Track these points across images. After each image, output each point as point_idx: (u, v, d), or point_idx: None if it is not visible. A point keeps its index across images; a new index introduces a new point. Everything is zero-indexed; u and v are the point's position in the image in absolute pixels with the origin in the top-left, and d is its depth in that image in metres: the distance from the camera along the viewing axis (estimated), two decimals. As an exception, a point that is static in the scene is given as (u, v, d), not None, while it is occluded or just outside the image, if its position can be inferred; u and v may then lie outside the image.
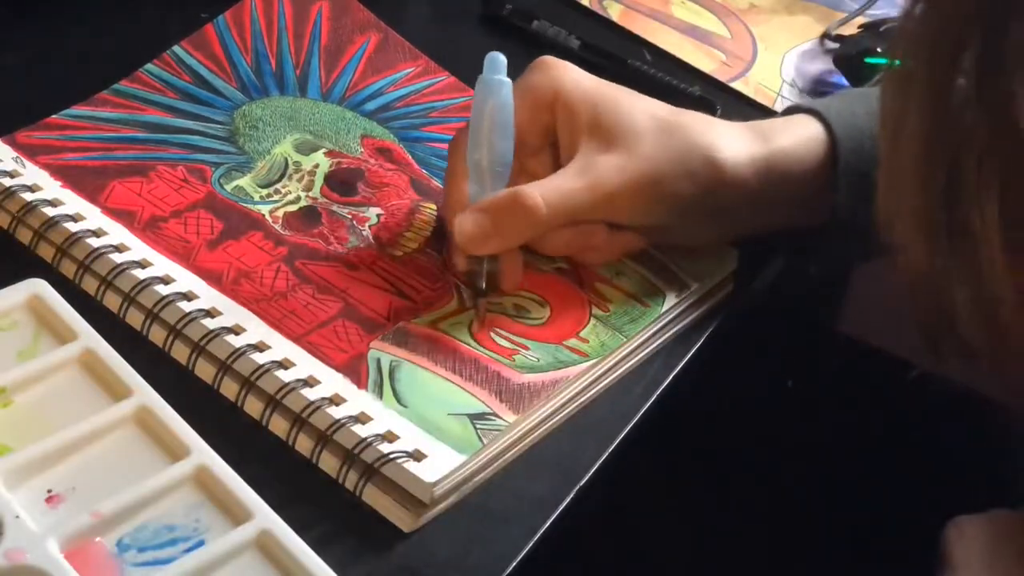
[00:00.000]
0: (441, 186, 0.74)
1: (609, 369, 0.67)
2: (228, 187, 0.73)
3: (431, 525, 0.60)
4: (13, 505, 0.56)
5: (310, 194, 0.73)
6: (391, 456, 0.59)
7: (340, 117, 0.78)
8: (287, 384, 0.62)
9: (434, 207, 0.73)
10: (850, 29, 0.94)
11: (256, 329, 0.65)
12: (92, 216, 0.69)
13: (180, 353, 0.64)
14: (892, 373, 0.98)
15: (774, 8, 0.96)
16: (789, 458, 0.98)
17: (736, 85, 0.87)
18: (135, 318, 0.66)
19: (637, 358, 0.68)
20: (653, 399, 0.67)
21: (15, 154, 0.72)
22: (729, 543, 0.98)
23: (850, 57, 0.91)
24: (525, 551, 0.59)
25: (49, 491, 0.57)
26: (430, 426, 0.61)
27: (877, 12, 0.96)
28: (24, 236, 0.69)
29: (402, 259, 0.70)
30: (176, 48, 0.80)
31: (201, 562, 0.55)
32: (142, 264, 0.67)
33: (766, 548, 0.97)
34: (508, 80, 0.67)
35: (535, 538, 0.60)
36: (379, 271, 0.69)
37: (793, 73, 0.89)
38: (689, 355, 0.69)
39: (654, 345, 0.69)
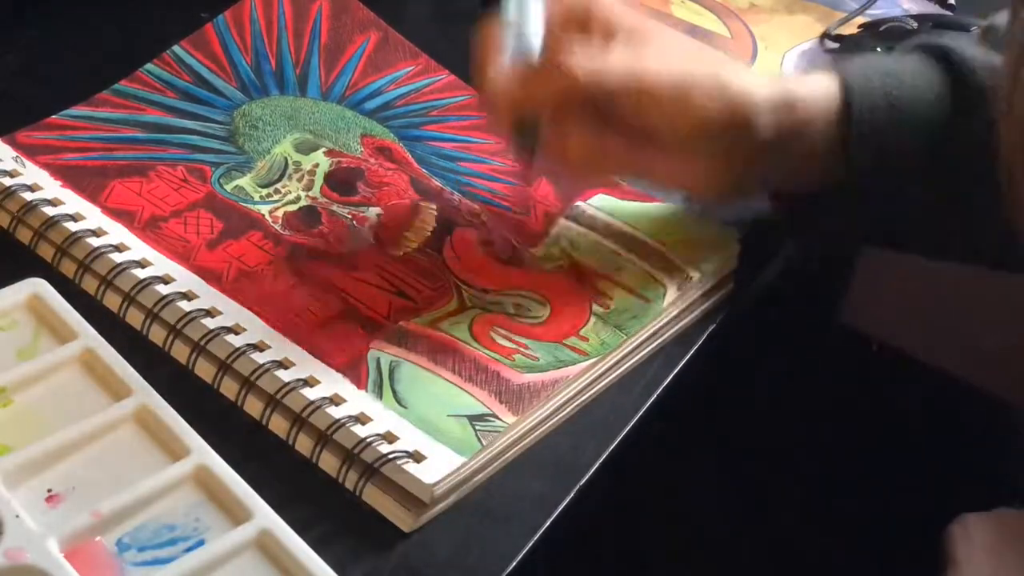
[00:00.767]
0: (440, 185, 0.74)
1: (609, 368, 0.67)
2: (228, 187, 0.73)
3: (431, 525, 0.60)
4: (13, 504, 0.56)
5: (310, 194, 0.73)
6: (391, 456, 0.59)
7: (340, 116, 0.78)
8: (287, 384, 0.62)
9: (434, 207, 0.73)
10: (850, 29, 0.95)
11: (256, 329, 0.65)
12: (92, 216, 0.69)
13: (180, 353, 0.64)
14: (896, 369, 0.98)
15: (774, 8, 0.96)
16: (790, 457, 0.98)
17: (736, 84, 0.87)
18: (135, 318, 0.66)
19: (637, 357, 0.68)
20: (653, 399, 0.67)
21: (15, 154, 0.72)
22: (730, 543, 0.98)
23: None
24: (525, 551, 0.59)
25: (49, 490, 0.57)
26: (430, 427, 0.61)
27: (877, 12, 0.96)
28: (24, 236, 0.69)
29: (402, 259, 0.70)
30: (176, 48, 0.80)
31: (201, 562, 0.55)
32: (142, 264, 0.67)
33: (767, 548, 0.97)
34: None
35: (535, 538, 0.60)
36: (379, 271, 0.69)
37: (793, 73, 0.89)
38: (689, 355, 0.69)
39: (654, 344, 0.69)
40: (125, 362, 0.62)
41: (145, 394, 0.61)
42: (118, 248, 0.68)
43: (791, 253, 0.77)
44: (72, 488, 0.58)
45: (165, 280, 0.66)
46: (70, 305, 0.64)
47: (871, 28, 0.94)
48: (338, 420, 0.61)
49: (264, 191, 0.73)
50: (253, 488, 0.58)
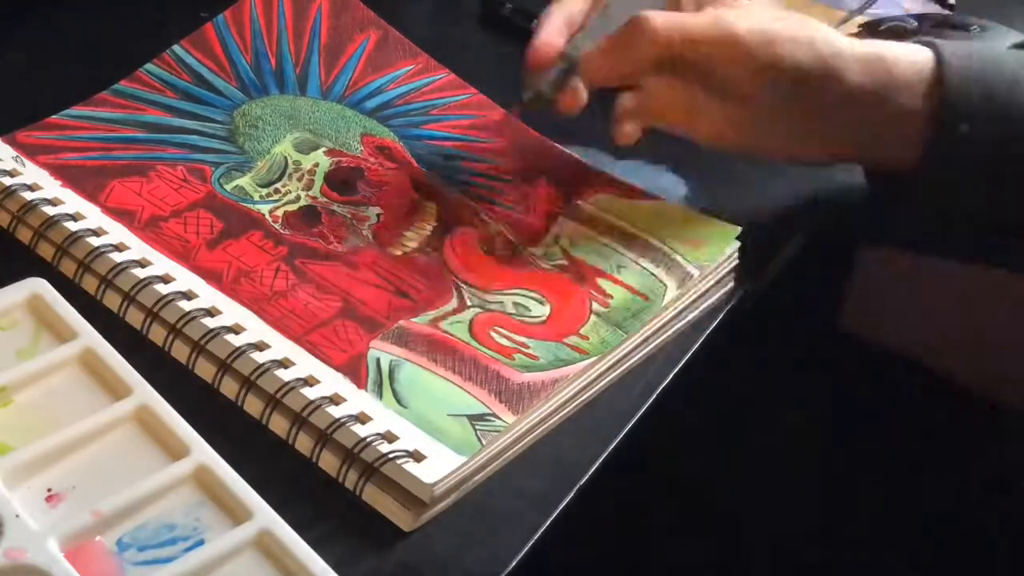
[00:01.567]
0: (441, 185, 0.74)
1: (609, 367, 0.67)
2: (228, 186, 0.73)
3: (431, 524, 0.60)
4: (13, 504, 0.56)
5: (310, 193, 0.73)
6: (391, 456, 0.59)
7: (340, 115, 0.78)
8: (287, 383, 0.62)
9: (434, 206, 0.73)
10: (850, 28, 0.94)
11: (256, 328, 0.65)
12: (92, 215, 0.69)
13: (180, 352, 0.64)
14: (897, 372, 0.98)
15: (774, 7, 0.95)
16: (790, 457, 0.98)
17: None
18: (135, 317, 0.66)
19: (637, 356, 0.68)
20: (653, 399, 0.67)
21: (15, 153, 0.72)
22: (730, 542, 0.98)
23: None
24: (525, 550, 0.59)
25: (49, 490, 0.57)
26: (430, 427, 0.61)
27: (877, 11, 0.96)
28: (24, 235, 0.69)
29: (402, 259, 0.70)
30: (176, 48, 0.80)
31: (201, 561, 0.55)
32: (142, 263, 0.67)
33: (767, 547, 0.97)
34: None
35: (535, 537, 0.60)
36: (379, 271, 0.69)
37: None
38: (689, 354, 0.69)
39: (655, 343, 0.69)
40: (125, 361, 0.62)
41: (145, 394, 0.61)
42: (118, 248, 0.68)
43: (791, 253, 0.77)
44: (72, 487, 0.58)
45: (165, 280, 0.66)
46: (70, 305, 0.64)
47: (871, 28, 0.94)
48: (338, 419, 0.61)
49: (264, 191, 0.73)
50: (253, 488, 0.58)
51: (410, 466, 0.59)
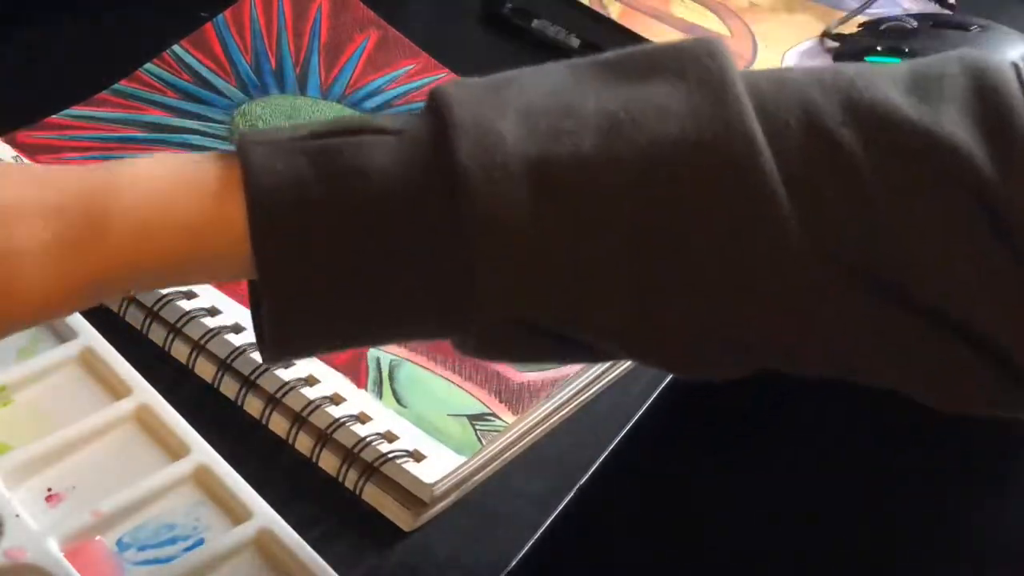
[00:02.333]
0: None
1: (609, 367, 0.67)
2: (228, 186, 0.73)
3: (431, 524, 0.60)
4: (13, 504, 0.56)
5: (310, 193, 0.73)
6: (391, 456, 0.59)
7: (340, 115, 0.78)
8: (287, 383, 0.62)
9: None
10: (850, 28, 0.95)
11: (256, 328, 0.65)
12: (92, 215, 0.69)
13: (180, 352, 0.64)
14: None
15: (774, 7, 0.96)
16: (791, 456, 0.98)
17: (736, 84, 0.87)
18: (135, 317, 0.66)
19: (637, 357, 0.68)
20: (653, 398, 0.67)
21: (15, 154, 0.72)
22: (730, 542, 0.98)
23: (850, 56, 0.91)
24: (525, 550, 0.59)
25: (49, 490, 0.57)
26: (429, 427, 0.61)
27: (877, 11, 0.96)
28: (24, 235, 0.69)
29: (402, 258, 0.70)
30: (176, 47, 0.80)
31: (201, 561, 0.55)
32: (142, 263, 0.67)
33: (767, 546, 0.97)
34: None
35: (535, 537, 0.60)
36: (379, 270, 0.69)
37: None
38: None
39: (654, 344, 0.69)
40: (125, 361, 0.62)
41: (145, 393, 0.61)
42: (118, 247, 0.68)
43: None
44: (72, 487, 0.58)
45: (165, 279, 0.66)
46: (70, 304, 0.64)
47: (871, 27, 0.94)
48: (338, 419, 0.61)
49: (264, 190, 0.73)
50: (253, 487, 0.58)
51: (410, 466, 0.59)
